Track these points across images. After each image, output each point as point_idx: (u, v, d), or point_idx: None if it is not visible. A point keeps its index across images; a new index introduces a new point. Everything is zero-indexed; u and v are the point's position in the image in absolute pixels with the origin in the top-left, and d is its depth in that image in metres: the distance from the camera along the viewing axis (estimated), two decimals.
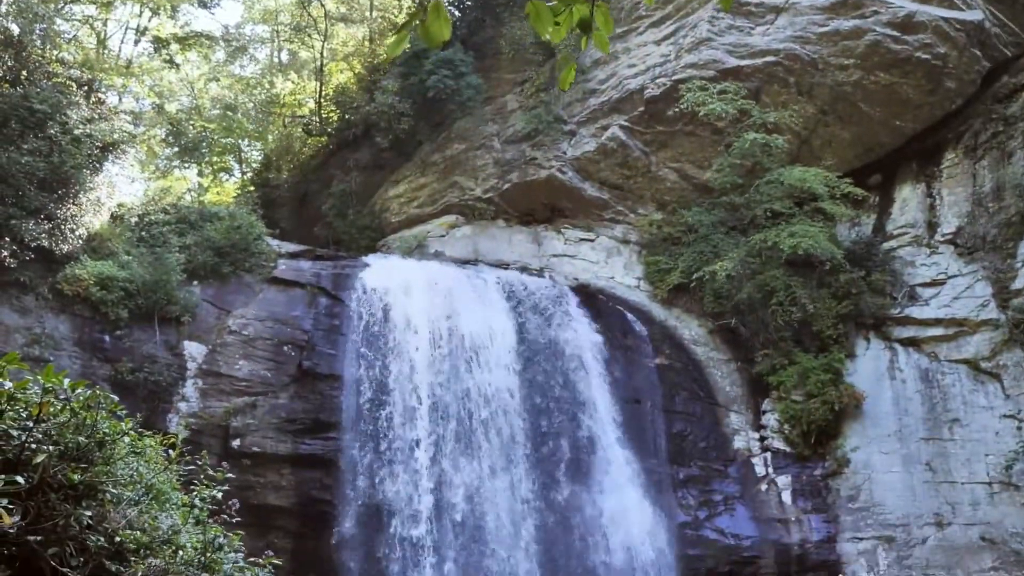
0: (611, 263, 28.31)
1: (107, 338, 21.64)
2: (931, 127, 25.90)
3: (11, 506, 4.65)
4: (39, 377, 5.07)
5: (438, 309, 24.39)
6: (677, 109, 25.68)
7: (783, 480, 24.00)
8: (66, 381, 5.13)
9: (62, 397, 5.17)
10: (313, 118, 35.87)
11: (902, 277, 24.99)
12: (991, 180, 24.38)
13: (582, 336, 25.16)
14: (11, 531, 4.67)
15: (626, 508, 22.87)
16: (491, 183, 29.14)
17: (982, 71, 25.00)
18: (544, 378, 24.03)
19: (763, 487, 24.07)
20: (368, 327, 23.75)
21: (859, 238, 25.92)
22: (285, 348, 23.05)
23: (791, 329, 24.79)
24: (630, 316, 26.50)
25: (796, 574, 22.88)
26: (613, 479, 23.18)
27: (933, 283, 24.66)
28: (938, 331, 24.23)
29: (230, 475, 7.11)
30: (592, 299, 26.75)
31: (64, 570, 4.95)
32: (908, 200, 25.84)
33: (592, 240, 28.79)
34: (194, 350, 22.42)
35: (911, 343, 24.51)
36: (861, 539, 22.93)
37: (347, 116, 32.29)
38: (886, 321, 24.80)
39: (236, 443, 21.54)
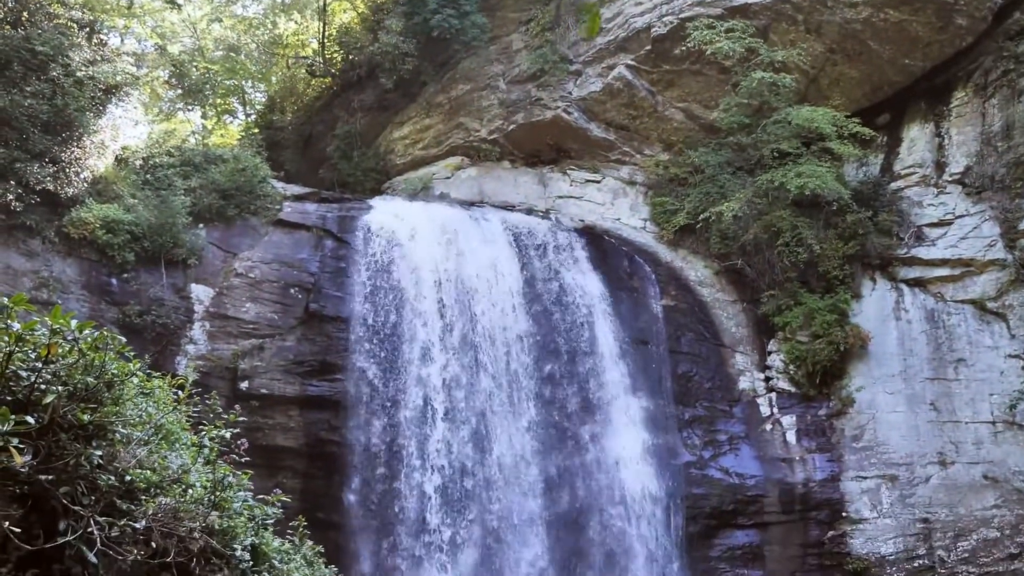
0: (617, 204, 28.22)
1: (114, 281, 21.70)
2: (941, 65, 25.57)
3: (22, 446, 4.69)
4: (47, 319, 5.09)
5: (444, 251, 24.39)
6: (684, 48, 25.41)
7: (788, 420, 24.16)
8: (73, 322, 5.15)
9: (70, 338, 5.19)
10: (317, 59, 35.54)
11: (909, 217, 24.88)
12: (1000, 119, 24.14)
13: (588, 277, 25.18)
14: (23, 470, 4.72)
15: (631, 448, 23.07)
16: (496, 124, 28.96)
17: (993, 8, 24.60)
18: (550, 319, 24.10)
19: (768, 427, 24.23)
20: (374, 269, 23.78)
21: (866, 178, 25.76)
22: (292, 291, 23.11)
23: (797, 270, 24.77)
24: (636, 257, 26.48)
25: (799, 512, 23.13)
26: (618, 419, 23.36)
27: (940, 223, 24.55)
28: (944, 271, 24.19)
29: (242, 418, 7.17)
30: (598, 240, 26.71)
31: (75, 508, 5.01)
32: (916, 140, 25.62)
33: (598, 181, 28.67)
34: (201, 293, 22.49)
35: (917, 283, 24.48)
36: (864, 478, 23.13)
37: (351, 56, 31.99)
38: (892, 262, 24.74)
39: (244, 385, 21.71)
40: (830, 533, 22.94)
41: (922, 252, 24.48)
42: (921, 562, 22.37)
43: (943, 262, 24.23)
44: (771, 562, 22.86)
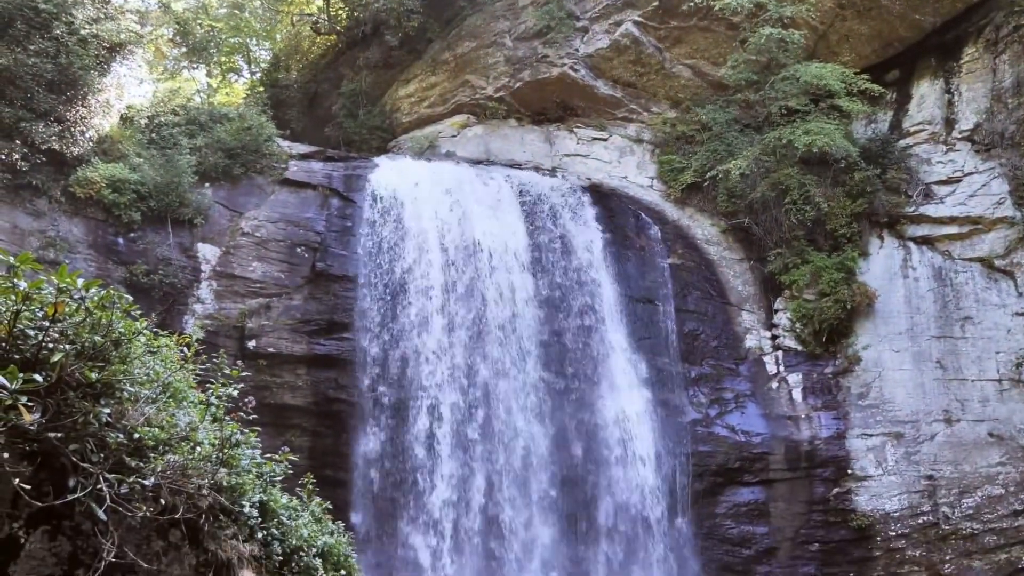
0: (624, 162, 28.09)
1: (121, 241, 21.72)
2: (951, 20, 25.31)
3: (31, 403, 4.72)
4: (53, 277, 5.10)
5: (450, 210, 24.34)
6: (692, 3, 25.16)
7: (794, 378, 24.21)
8: (80, 281, 5.16)
9: (76, 297, 5.21)
10: (321, 16, 35.25)
11: (918, 175, 24.75)
12: (1011, 75, 23.90)
13: (595, 235, 25.12)
14: (32, 428, 4.76)
15: (637, 406, 23.16)
16: (503, 82, 28.76)
17: None
18: (556, 278, 24.09)
19: (774, 385, 24.29)
20: (381, 228, 23.75)
21: (875, 135, 25.59)
22: (298, 250, 23.11)
23: (805, 228, 24.70)
24: (643, 215, 26.40)
25: (805, 470, 23.24)
26: (624, 377, 23.42)
27: (949, 181, 24.42)
28: (952, 229, 24.11)
29: (246, 374, 7.20)
30: (605, 199, 26.61)
31: (85, 466, 5.06)
32: (926, 96, 25.41)
33: (605, 139, 28.52)
34: (208, 252, 22.51)
35: (925, 241, 24.41)
36: (870, 435, 23.21)
37: (356, 13, 31.73)
38: (900, 219, 24.65)
39: (252, 344, 21.79)
40: (835, 490, 23.07)
41: (930, 210, 24.38)
42: (925, 519, 22.51)
43: (951, 220, 24.14)
44: (776, 519, 23.02)
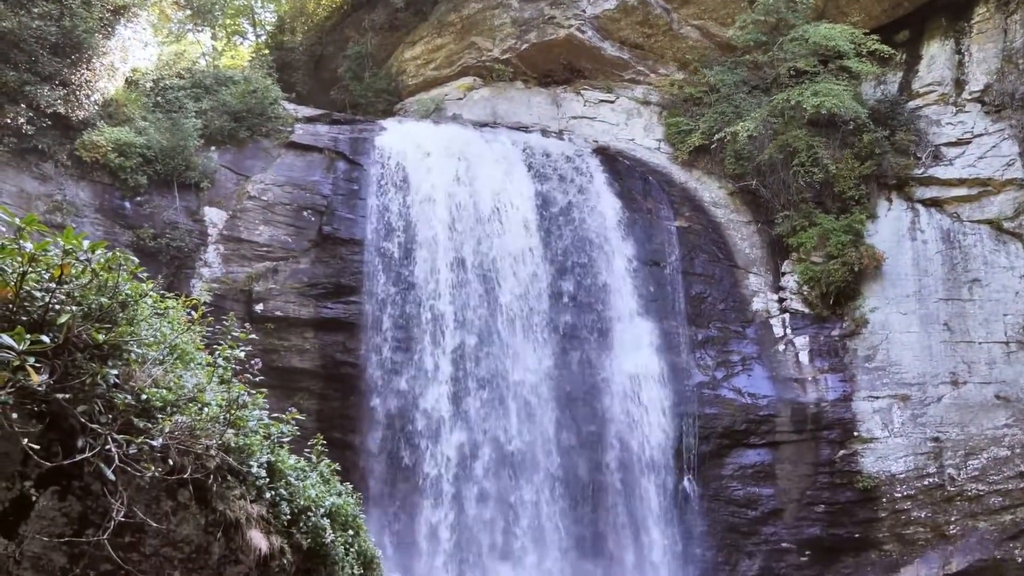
0: (631, 125, 27.94)
1: (127, 205, 21.73)
2: None
3: (38, 364, 4.74)
4: (59, 239, 5.11)
5: (457, 173, 24.26)
6: None
7: (801, 341, 24.22)
8: (85, 243, 5.16)
9: (82, 259, 5.21)
10: None
11: (927, 136, 24.60)
12: (1022, 35, 23.66)
13: (601, 198, 25.05)
14: (40, 388, 4.78)
15: (644, 369, 23.21)
16: (509, 43, 28.55)
17: None
18: (563, 241, 24.06)
19: (781, 348, 24.31)
20: (387, 192, 23.70)
21: (884, 97, 25.40)
22: (305, 213, 23.09)
23: (812, 190, 24.61)
24: (650, 178, 26.31)
25: (811, 432, 23.31)
26: (631, 340, 23.46)
27: (958, 142, 24.29)
28: (961, 191, 24.01)
29: (253, 337, 7.23)
30: (612, 161, 26.51)
31: (93, 426, 5.09)
32: (936, 57, 25.18)
33: (612, 101, 28.36)
34: (214, 216, 22.51)
35: (934, 203, 24.32)
36: (876, 398, 23.25)
37: None
38: (909, 181, 24.54)
39: (259, 308, 21.84)
40: (841, 452, 23.15)
41: (939, 172, 24.27)
42: (931, 480, 22.60)
43: (960, 182, 24.03)
44: (782, 480, 23.13)
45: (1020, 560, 21.20)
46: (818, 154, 24.18)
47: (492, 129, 27.43)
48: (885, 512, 22.72)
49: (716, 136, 25.60)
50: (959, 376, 23.01)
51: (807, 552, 22.83)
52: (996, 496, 22.19)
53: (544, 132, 27.83)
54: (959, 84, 24.75)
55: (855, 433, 23.17)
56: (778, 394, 23.57)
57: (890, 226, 24.40)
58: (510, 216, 23.90)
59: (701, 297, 24.83)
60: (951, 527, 22.26)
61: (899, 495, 22.64)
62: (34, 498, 5.06)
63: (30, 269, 4.97)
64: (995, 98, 24.03)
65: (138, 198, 21.77)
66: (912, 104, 25.09)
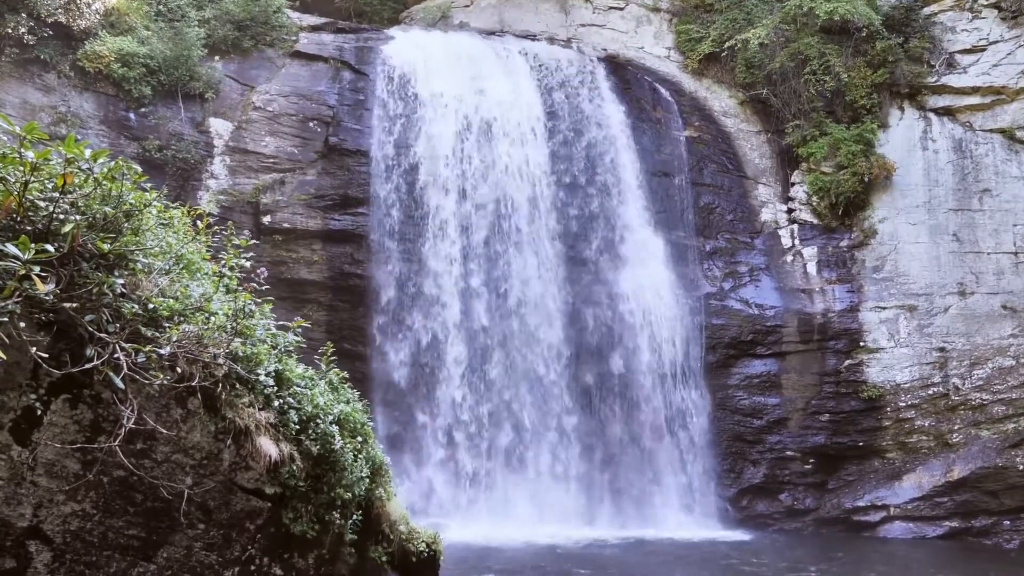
0: (641, 32, 27.48)
1: (132, 116, 21.57)
2: None
3: (44, 274, 4.77)
4: (60, 149, 5.09)
5: (464, 83, 23.99)
6: None
7: (809, 251, 24.17)
8: (87, 151, 5.14)
9: (84, 168, 5.20)
10: None
11: (941, 44, 24.18)
12: None
13: (610, 109, 24.79)
14: (47, 298, 4.82)
15: (652, 280, 23.25)
16: None
17: None
18: (572, 152, 23.89)
19: (789, 258, 24.28)
20: (394, 102, 23.47)
21: (898, 3, 24.91)
22: (311, 124, 22.92)
23: (823, 99, 24.30)
24: (659, 87, 25.98)
25: (817, 342, 23.42)
26: (640, 251, 23.45)
27: (973, 50, 23.88)
28: (974, 100, 23.70)
29: (256, 242, 7.23)
30: (621, 70, 26.14)
31: (101, 335, 5.14)
32: None
33: (621, 8, 27.83)
34: (220, 127, 22.35)
35: (946, 112, 24.02)
36: (883, 308, 23.30)
37: None
38: (922, 90, 24.20)
39: (267, 219, 21.83)
40: (847, 362, 23.29)
41: (953, 80, 23.91)
42: (936, 389, 22.77)
43: (974, 90, 23.70)
44: (788, 390, 23.33)
45: (1021, 467, 21.47)
46: (830, 62, 23.82)
47: (500, 37, 27.01)
48: (889, 421, 22.96)
49: (727, 44, 25.20)
50: (966, 286, 23.02)
51: (811, 460, 23.15)
52: (1000, 405, 22.37)
53: (552, 40, 27.40)
54: None
55: (861, 343, 23.28)
56: (785, 305, 23.63)
57: (901, 136, 24.15)
58: (517, 127, 23.69)
59: (710, 208, 24.72)
60: (954, 435, 22.50)
61: (903, 404, 22.85)
62: (45, 407, 5.13)
63: (32, 178, 4.97)
64: (1012, 3, 23.54)
65: (143, 109, 21.61)
66: (927, 10, 24.61)
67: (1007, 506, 21.68)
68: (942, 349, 22.88)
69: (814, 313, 23.53)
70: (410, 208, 22.54)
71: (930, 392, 22.79)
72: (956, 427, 22.54)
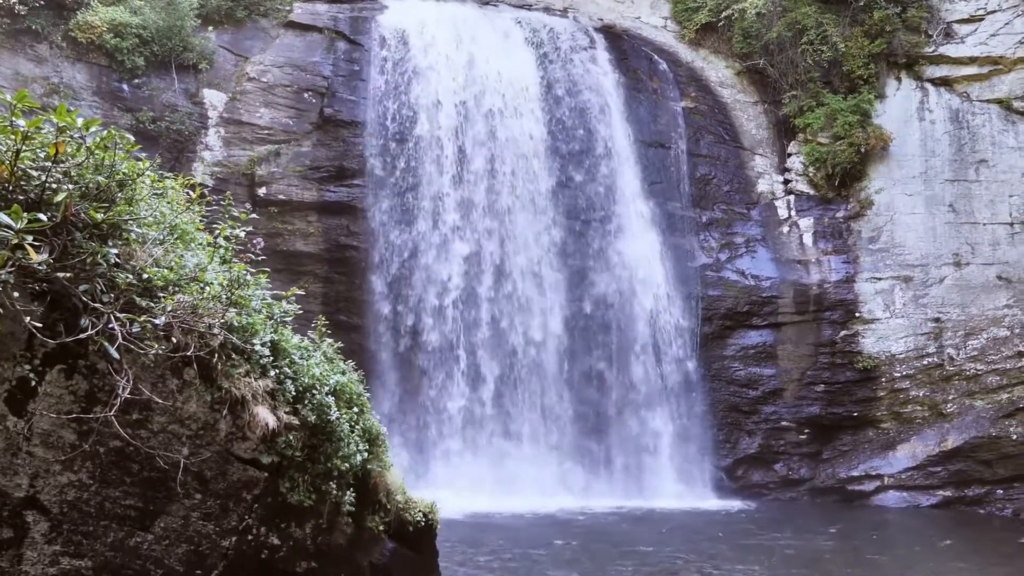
0: (637, 2, 27.31)
1: (125, 87, 21.44)
2: None
3: (37, 244, 4.74)
4: (52, 117, 5.04)
5: (459, 52, 23.85)
6: None
7: (805, 222, 24.17)
8: (79, 120, 5.10)
9: (76, 137, 5.16)
10: None
11: (939, 13, 24.07)
12: None
13: (606, 79, 24.67)
14: (40, 267, 4.79)
15: (648, 251, 23.25)
16: None
17: None
18: (568, 122, 23.80)
19: (785, 229, 24.28)
20: (389, 72, 23.34)
21: None
22: (305, 95, 22.80)
23: (821, 69, 24.22)
24: (656, 57, 25.85)
25: (813, 313, 23.47)
26: (636, 222, 23.43)
27: (971, 19, 23.77)
28: (972, 70, 23.63)
29: (254, 216, 7.20)
30: (617, 40, 25.98)
31: (95, 305, 5.12)
32: None
33: None
34: (214, 98, 22.23)
35: (943, 83, 23.94)
36: (879, 279, 23.33)
37: None
38: (919, 60, 24.11)
39: (262, 191, 21.76)
40: (842, 333, 23.35)
41: (950, 50, 23.82)
42: (930, 360, 22.85)
43: (971, 60, 23.62)
44: (783, 361, 23.40)
45: (1015, 437, 21.59)
46: (827, 32, 23.71)
47: (495, 7, 26.83)
48: (884, 391, 23.05)
49: (724, 13, 25.06)
50: (962, 257, 23.05)
51: (806, 430, 23.27)
52: (994, 375, 22.46)
53: (548, 10, 27.22)
54: None
55: (857, 314, 23.33)
56: (781, 275, 23.65)
57: (898, 106, 24.09)
58: (513, 98, 23.59)
59: (706, 179, 24.68)
60: (948, 405, 22.60)
61: (898, 375, 22.93)
62: (40, 377, 5.13)
63: (24, 147, 4.93)
64: None
65: (136, 80, 21.47)
66: None
67: (1000, 475, 21.81)
68: (937, 320, 22.94)
69: (810, 284, 23.55)
70: (406, 179, 22.47)
71: (925, 362, 22.87)
72: (950, 397, 22.64)
